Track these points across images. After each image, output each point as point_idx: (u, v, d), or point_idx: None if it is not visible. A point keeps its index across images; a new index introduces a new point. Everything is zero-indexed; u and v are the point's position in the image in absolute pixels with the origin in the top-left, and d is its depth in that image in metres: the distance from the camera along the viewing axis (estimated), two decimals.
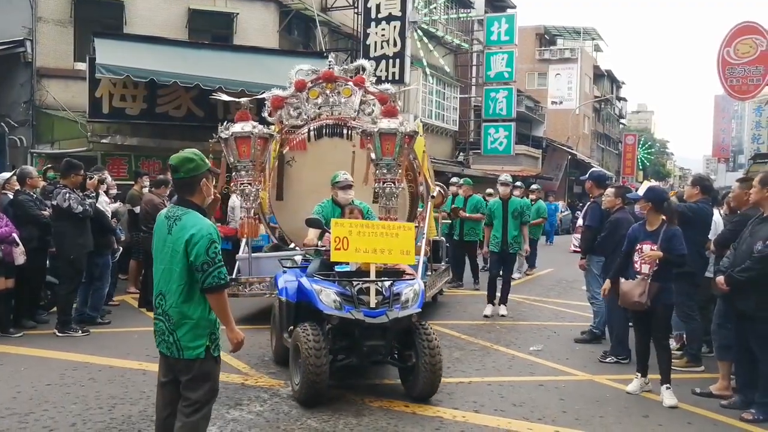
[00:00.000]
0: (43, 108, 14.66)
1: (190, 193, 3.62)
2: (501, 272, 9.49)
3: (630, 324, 7.13)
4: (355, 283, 5.53)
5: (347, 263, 5.79)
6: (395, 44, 19.68)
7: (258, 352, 7.06)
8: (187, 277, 3.51)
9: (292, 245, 9.21)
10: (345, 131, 8.99)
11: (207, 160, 3.66)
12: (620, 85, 70.53)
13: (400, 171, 8.25)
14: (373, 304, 5.36)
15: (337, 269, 5.83)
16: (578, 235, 8.93)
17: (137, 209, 9.59)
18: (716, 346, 6.11)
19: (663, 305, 5.72)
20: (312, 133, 9.02)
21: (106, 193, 9.33)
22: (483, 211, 12.75)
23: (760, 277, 5.21)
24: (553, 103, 48.83)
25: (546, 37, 52.58)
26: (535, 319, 9.29)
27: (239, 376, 6.22)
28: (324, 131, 9.03)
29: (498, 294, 9.55)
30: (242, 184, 8.40)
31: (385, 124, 8.08)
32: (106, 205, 8.69)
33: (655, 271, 5.67)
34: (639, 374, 6.02)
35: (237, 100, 8.77)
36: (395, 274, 5.89)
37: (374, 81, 9.25)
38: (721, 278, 5.55)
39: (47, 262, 8.32)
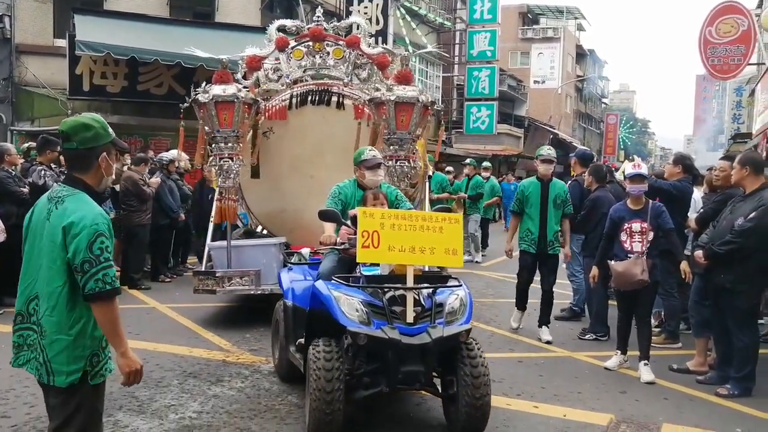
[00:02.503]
0: (23, 85, 14.40)
1: (83, 169, 2.86)
2: (542, 280, 7.27)
3: (610, 302, 7.25)
4: (386, 290, 4.35)
5: (376, 265, 4.60)
6: (378, 22, 19.57)
7: (239, 329, 7.09)
8: (68, 277, 2.73)
9: (259, 228, 8.31)
10: (336, 99, 7.73)
11: (110, 130, 2.95)
12: (603, 64, 70.69)
13: (416, 148, 7.32)
14: (410, 319, 4.17)
15: (362, 271, 4.63)
16: None
17: (117, 187, 9.52)
18: (693, 322, 6.22)
19: (652, 282, 5.80)
20: (295, 99, 7.71)
21: None
22: (480, 191, 12.72)
23: (738, 252, 5.29)
24: (535, 82, 48.87)
25: (529, 16, 52.51)
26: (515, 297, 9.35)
27: (221, 352, 6.24)
28: (310, 98, 7.72)
29: (526, 306, 7.53)
30: (222, 158, 7.19)
31: (402, 91, 6.99)
32: None
33: (648, 249, 5.75)
34: (619, 351, 6.10)
35: (215, 57, 7.59)
36: (435, 279, 4.71)
37: (371, 41, 8.10)
38: (699, 252, 5.62)
39: None
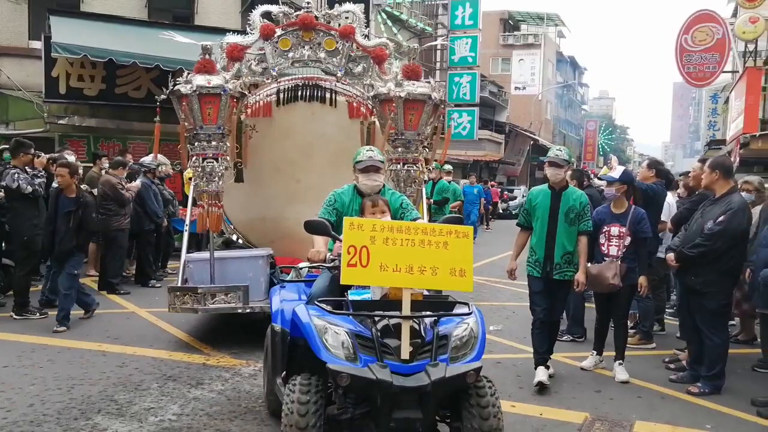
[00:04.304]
0: None
1: None
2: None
3: (586, 304, 7.35)
4: (378, 318, 3.55)
5: (366, 287, 3.85)
6: None
7: (219, 332, 7.09)
8: None
9: (234, 237, 7.64)
10: (328, 95, 7.13)
11: None
12: (582, 71, 71.49)
13: (425, 149, 6.82)
14: (405, 355, 3.41)
15: (350, 295, 3.90)
16: None
17: (95, 191, 9.46)
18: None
19: (629, 285, 5.85)
20: (282, 95, 7.10)
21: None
22: (446, 196, 12.57)
23: (708, 255, 5.40)
24: (516, 88, 49.30)
25: (510, 23, 53.02)
26: (495, 300, 9.44)
27: (201, 356, 6.24)
28: (300, 93, 7.11)
29: (549, 359, 5.88)
30: (205, 158, 6.41)
31: (412, 87, 6.44)
32: None
33: (624, 253, 5.83)
34: (595, 352, 6.18)
35: (197, 42, 6.77)
36: (439, 304, 3.85)
37: (367, 32, 7.40)
38: (671, 255, 5.74)
39: (3, 244, 8.19)
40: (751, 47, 17.54)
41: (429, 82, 6.70)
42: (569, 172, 7.52)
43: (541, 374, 5.63)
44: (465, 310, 3.77)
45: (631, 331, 7.14)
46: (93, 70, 13.43)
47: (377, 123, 7.04)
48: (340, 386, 3.41)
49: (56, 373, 5.60)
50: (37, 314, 7.58)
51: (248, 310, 6.42)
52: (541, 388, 5.50)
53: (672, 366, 6.22)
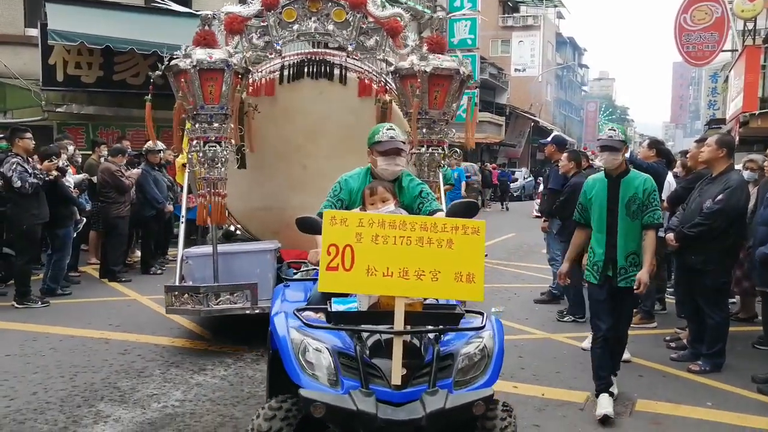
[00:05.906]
0: None
1: None
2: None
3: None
4: (365, 334, 2.95)
5: (351, 295, 3.27)
6: None
7: (222, 319, 7.06)
8: None
9: (232, 228, 7.13)
10: (338, 71, 6.52)
11: None
12: (582, 52, 71.12)
13: (452, 130, 6.40)
14: (397, 380, 2.77)
15: (334, 304, 3.21)
16: (540, 200, 8.80)
17: (95, 178, 9.46)
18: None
19: None
20: (287, 71, 6.49)
21: (71, 162, 9.20)
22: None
23: (707, 234, 5.40)
24: (516, 70, 49.12)
25: (509, 4, 52.71)
26: (496, 282, 9.44)
27: (203, 342, 6.26)
28: (306, 70, 6.50)
29: (612, 383, 4.83)
30: (207, 142, 5.79)
31: (438, 61, 5.93)
32: (68, 175, 8.51)
33: None
34: None
35: (194, 12, 6.12)
36: (444, 316, 3.14)
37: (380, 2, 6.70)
38: (671, 235, 5.74)
39: (3, 234, 8.19)
40: (750, 26, 17.43)
41: (456, 56, 6.17)
42: (566, 154, 7.59)
43: (606, 404, 4.53)
44: (476, 322, 3.04)
45: None
46: (90, 58, 13.35)
47: (394, 102, 6.54)
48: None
49: (59, 361, 5.62)
50: (39, 303, 7.60)
51: (257, 311, 5.79)
52: (605, 420, 4.41)
53: (673, 345, 6.25)
